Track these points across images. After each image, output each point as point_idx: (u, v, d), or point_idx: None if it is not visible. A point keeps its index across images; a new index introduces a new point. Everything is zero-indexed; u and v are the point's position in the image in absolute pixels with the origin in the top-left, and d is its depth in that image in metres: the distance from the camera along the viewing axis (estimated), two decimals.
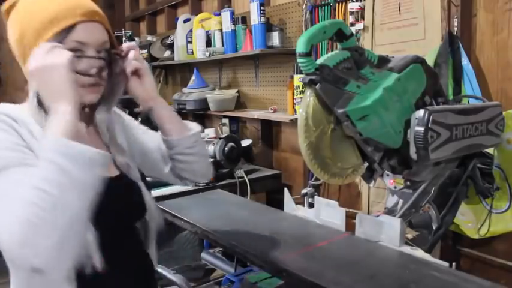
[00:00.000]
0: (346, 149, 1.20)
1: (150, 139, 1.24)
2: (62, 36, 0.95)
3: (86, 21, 0.97)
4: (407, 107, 1.22)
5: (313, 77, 1.10)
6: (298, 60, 1.10)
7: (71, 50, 0.94)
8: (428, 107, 1.22)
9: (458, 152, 1.32)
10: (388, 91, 1.17)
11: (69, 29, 0.95)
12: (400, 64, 1.23)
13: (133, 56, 1.07)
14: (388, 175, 1.39)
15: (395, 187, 1.40)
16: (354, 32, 1.16)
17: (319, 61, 1.12)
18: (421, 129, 1.19)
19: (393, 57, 1.27)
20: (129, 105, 4.22)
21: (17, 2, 1.01)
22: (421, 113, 1.21)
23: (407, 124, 1.22)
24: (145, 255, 1.16)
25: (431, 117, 1.19)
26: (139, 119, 3.89)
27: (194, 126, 1.19)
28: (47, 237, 0.76)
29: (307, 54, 1.10)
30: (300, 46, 1.10)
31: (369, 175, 1.28)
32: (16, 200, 0.78)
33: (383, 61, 1.23)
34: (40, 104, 0.96)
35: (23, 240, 0.76)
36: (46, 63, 0.88)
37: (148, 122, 1.23)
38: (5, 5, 1.02)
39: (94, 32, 0.99)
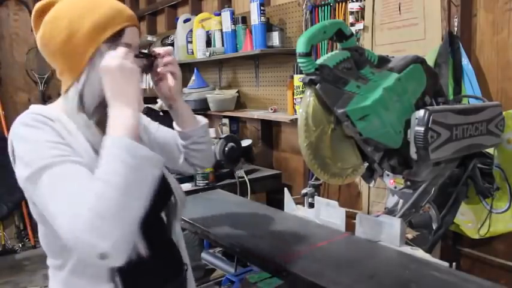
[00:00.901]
0: (346, 149, 1.20)
1: (165, 134, 1.34)
2: (115, 39, 1.01)
3: (131, 26, 1.05)
4: (408, 106, 1.22)
5: (313, 77, 1.10)
6: (298, 60, 1.10)
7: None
8: (428, 107, 1.22)
9: (459, 152, 1.32)
10: (388, 91, 1.17)
11: (121, 32, 1.02)
12: (400, 64, 1.23)
13: (171, 59, 1.16)
14: (388, 175, 1.39)
15: (395, 187, 1.40)
16: (354, 32, 1.15)
17: (319, 61, 1.12)
18: (421, 129, 1.19)
19: (393, 57, 1.26)
20: None
21: (54, 2, 1.02)
22: (421, 113, 1.20)
23: (408, 124, 1.22)
24: (171, 241, 1.20)
25: (431, 117, 1.19)
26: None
27: (202, 119, 1.32)
28: (116, 226, 0.84)
29: (307, 54, 1.09)
30: (300, 46, 1.10)
31: (369, 175, 1.28)
32: (84, 193, 0.85)
33: (383, 61, 1.23)
34: (81, 103, 1.01)
35: (94, 229, 0.82)
36: (125, 65, 0.96)
37: (148, 115, 1.35)
38: (40, 5, 1.03)
39: (136, 35, 1.07)
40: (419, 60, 1.26)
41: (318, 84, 1.10)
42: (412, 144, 1.22)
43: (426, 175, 1.32)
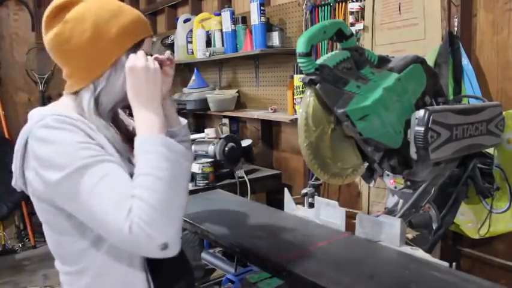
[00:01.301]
0: (346, 149, 1.20)
1: None
2: (137, 46, 1.05)
3: (150, 36, 1.10)
4: (408, 107, 1.22)
5: (313, 77, 1.10)
6: (298, 60, 1.10)
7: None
8: (428, 107, 1.22)
9: (459, 152, 1.32)
10: (388, 91, 1.17)
11: (142, 41, 1.07)
12: (400, 64, 1.23)
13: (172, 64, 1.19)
14: (388, 175, 1.39)
15: (395, 187, 1.40)
16: (354, 32, 1.15)
17: (319, 61, 1.12)
18: (421, 129, 1.19)
19: (393, 57, 1.26)
20: (129, 105, 4.22)
21: (75, 2, 1.01)
22: (421, 113, 1.20)
23: (408, 124, 1.22)
24: None
25: (431, 117, 1.19)
26: None
27: (183, 119, 1.32)
28: (170, 217, 0.88)
29: (307, 54, 1.09)
30: (300, 46, 1.09)
31: (369, 175, 1.28)
32: (132, 189, 0.88)
33: (383, 61, 1.23)
34: (96, 105, 1.02)
35: (152, 222, 0.85)
36: (150, 66, 1.00)
37: None
38: (59, 2, 1.02)
39: (150, 46, 1.12)
40: (420, 60, 1.26)
41: (318, 84, 1.10)
42: (412, 144, 1.22)
43: (426, 175, 1.32)
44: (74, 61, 1.02)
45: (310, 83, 1.11)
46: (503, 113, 1.49)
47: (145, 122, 0.96)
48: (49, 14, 1.02)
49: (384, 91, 1.16)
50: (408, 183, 1.34)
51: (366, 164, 1.25)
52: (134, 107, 0.99)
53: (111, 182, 0.89)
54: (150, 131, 0.95)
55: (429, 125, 1.19)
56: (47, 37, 1.02)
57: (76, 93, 1.02)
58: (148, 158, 0.91)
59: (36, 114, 0.98)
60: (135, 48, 1.04)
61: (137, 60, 0.99)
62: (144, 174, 0.89)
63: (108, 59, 1.01)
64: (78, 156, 0.90)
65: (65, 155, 0.91)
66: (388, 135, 1.19)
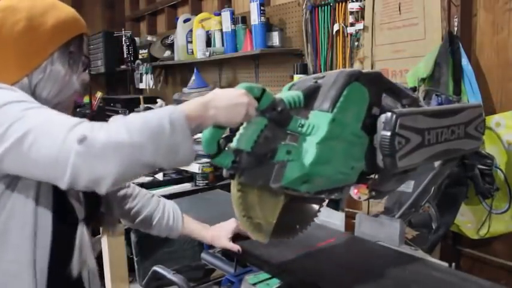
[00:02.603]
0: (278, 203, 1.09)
1: None
2: (78, 42, 1.03)
3: (86, 33, 1.07)
4: (354, 138, 1.04)
5: (232, 172, 0.94)
6: (212, 161, 0.94)
7: (86, 57, 1.06)
8: (395, 110, 1.06)
9: (433, 158, 1.20)
10: (324, 143, 0.97)
11: (81, 37, 1.04)
12: (332, 95, 0.99)
13: None
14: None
15: (359, 197, 1.31)
16: (264, 88, 0.93)
17: (234, 145, 0.93)
18: (387, 134, 1.04)
19: (323, 77, 1.04)
20: (129, 105, 4.23)
21: None
22: (388, 116, 1.05)
23: (360, 151, 1.07)
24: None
25: (398, 121, 1.03)
26: None
27: None
28: (122, 158, 0.79)
29: (216, 154, 0.92)
30: (205, 149, 0.92)
31: (335, 206, 1.16)
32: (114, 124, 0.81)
33: (311, 95, 1.01)
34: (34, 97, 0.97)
35: (101, 154, 0.77)
36: (241, 102, 0.89)
37: None
38: None
39: (87, 43, 1.08)
40: (354, 78, 1.02)
41: (242, 177, 0.95)
42: (378, 151, 1.07)
43: (392, 185, 1.20)
44: (3, 53, 0.97)
45: (232, 177, 0.96)
46: (504, 113, 1.49)
47: (189, 103, 0.88)
48: None
49: (318, 147, 0.96)
50: (373, 193, 1.21)
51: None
52: (201, 97, 0.90)
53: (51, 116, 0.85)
54: (183, 106, 0.86)
55: (396, 130, 1.04)
56: None
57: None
58: (151, 113, 0.84)
59: None
60: (72, 43, 1.02)
61: (244, 95, 0.90)
62: (136, 114, 0.83)
63: (44, 51, 0.98)
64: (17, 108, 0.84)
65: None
66: (340, 178, 1.04)
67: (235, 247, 1.32)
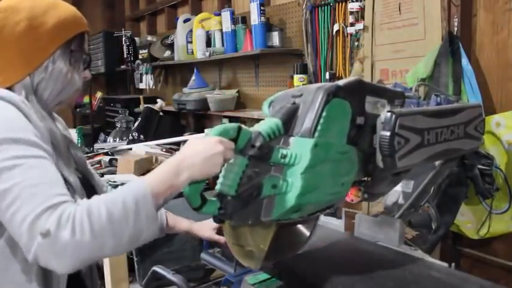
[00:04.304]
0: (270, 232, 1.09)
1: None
2: (79, 40, 1.05)
3: (87, 31, 1.09)
4: (340, 155, 1.00)
5: (220, 218, 0.92)
6: (198, 213, 0.90)
7: (87, 55, 1.08)
8: (394, 110, 1.05)
9: (433, 158, 1.20)
10: (308, 171, 0.93)
11: (82, 36, 1.06)
12: (311, 118, 0.94)
13: None
14: None
15: (352, 200, 1.30)
16: (240, 126, 0.90)
17: (218, 188, 0.90)
18: (387, 134, 1.03)
19: (301, 95, 0.98)
20: (129, 105, 4.23)
21: None
22: (387, 116, 1.04)
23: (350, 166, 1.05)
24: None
25: (398, 121, 1.03)
26: (139, 118, 3.89)
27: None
28: (79, 258, 0.81)
29: (201, 205, 0.89)
30: (190, 204, 0.89)
31: (332, 215, 1.18)
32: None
33: (290, 119, 0.96)
34: (38, 97, 1.00)
35: (59, 253, 0.79)
36: (216, 153, 0.87)
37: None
38: None
39: (87, 41, 1.10)
40: (333, 95, 0.96)
41: (231, 221, 0.95)
42: (377, 151, 1.06)
43: (384, 187, 1.20)
44: (5, 53, 0.98)
45: (221, 223, 0.96)
46: (504, 113, 1.49)
47: (158, 172, 0.88)
48: None
49: (303, 177, 0.92)
50: (366, 195, 1.19)
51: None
52: (170, 158, 0.91)
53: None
54: (149, 179, 0.87)
55: (395, 130, 1.03)
56: None
57: (8, 89, 0.98)
58: (116, 199, 0.84)
59: None
60: (73, 41, 1.04)
61: (217, 142, 0.88)
62: (102, 202, 0.83)
63: (46, 50, 1.00)
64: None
65: None
66: (331, 198, 1.02)
67: (222, 239, 1.28)
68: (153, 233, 0.87)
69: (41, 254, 0.80)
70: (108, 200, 0.84)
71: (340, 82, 0.99)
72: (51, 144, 0.96)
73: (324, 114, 0.93)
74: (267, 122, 0.95)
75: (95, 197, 0.86)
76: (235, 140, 0.89)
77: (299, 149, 0.93)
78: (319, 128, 0.93)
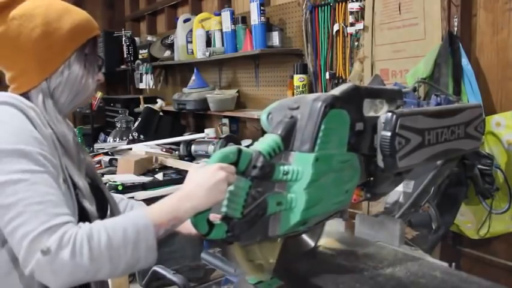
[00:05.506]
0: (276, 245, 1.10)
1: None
2: (92, 44, 1.08)
3: (99, 35, 1.13)
4: (342, 164, 1.00)
5: (229, 241, 0.92)
6: (206, 238, 0.92)
7: (100, 58, 1.11)
8: (395, 110, 1.05)
9: (433, 159, 1.20)
10: (311, 186, 0.93)
11: (94, 38, 1.09)
12: (310, 133, 0.93)
13: None
14: None
15: (354, 200, 1.25)
16: (239, 149, 0.90)
17: (224, 211, 0.90)
18: (388, 134, 1.03)
19: (298, 107, 0.96)
20: (129, 105, 4.23)
21: (19, 0, 1.00)
22: (388, 116, 1.04)
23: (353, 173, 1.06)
24: None
25: (398, 121, 1.03)
26: (139, 118, 3.88)
27: None
28: (74, 279, 0.84)
29: (209, 231, 0.89)
30: (198, 230, 0.90)
31: (339, 216, 1.14)
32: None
33: (288, 135, 0.95)
34: (54, 102, 1.02)
35: (56, 272, 0.81)
36: (221, 182, 0.88)
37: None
38: (1, 1, 0.99)
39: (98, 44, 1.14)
40: (330, 106, 0.94)
41: (239, 242, 0.95)
42: (378, 151, 1.06)
43: (386, 187, 1.21)
44: (22, 59, 0.99)
45: (228, 244, 0.98)
46: (505, 114, 1.49)
47: (162, 205, 0.91)
48: None
49: (306, 193, 0.92)
50: (368, 195, 1.20)
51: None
52: (177, 192, 0.93)
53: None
54: (152, 212, 0.90)
55: (396, 130, 1.03)
56: None
57: (25, 94, 1.00)
58: (118, 228, 0.86)
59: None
60: (87, 45, 1.06)
61: (219, 169, 0.88)
62: (103, 227, 0.85)
63: (61, 55, 1.01)
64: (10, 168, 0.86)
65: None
66: (336, 207, 1.03)
67: None
68: (151, 262, 0.89)
69: (38, 269, 0.82)
70: (110, 226, 0.86)
71: (336, 91, 0.99)
72: (61, 149, 0.98)
73: (322, 127, 0.93)
74: (267, 140, 0.94)
75: (97, 222, 0.88)
76: (236, 163, 0.89)
77: (300, 165, 0.93)
78: (318, 141, 0.93)
